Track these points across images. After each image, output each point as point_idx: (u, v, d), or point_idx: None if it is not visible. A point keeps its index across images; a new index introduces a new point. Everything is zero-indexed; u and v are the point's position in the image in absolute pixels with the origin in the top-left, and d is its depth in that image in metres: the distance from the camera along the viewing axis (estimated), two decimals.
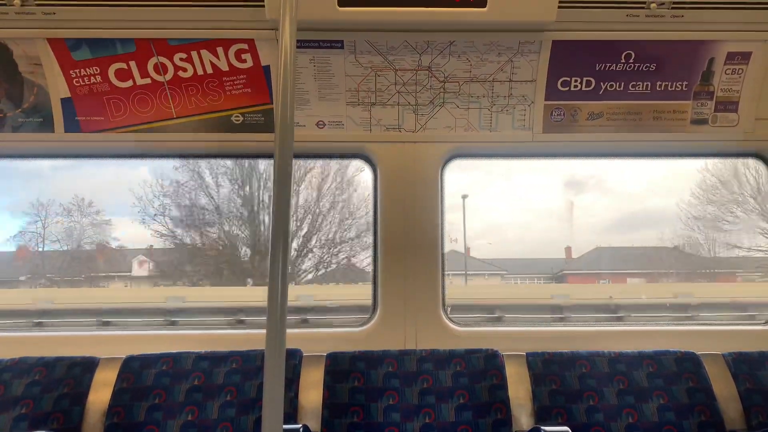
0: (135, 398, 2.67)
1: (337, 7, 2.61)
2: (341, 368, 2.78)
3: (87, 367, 2.80)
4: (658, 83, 3.03)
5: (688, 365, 2.81)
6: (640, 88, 3.03)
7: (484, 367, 2.78)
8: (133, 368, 2.76)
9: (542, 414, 2.70)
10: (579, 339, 3.03)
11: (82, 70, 2.91)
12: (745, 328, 3.21)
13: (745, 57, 2.98)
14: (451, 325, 3.05)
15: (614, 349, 2.88)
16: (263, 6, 2.61)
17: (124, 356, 2.81)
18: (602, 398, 2.72)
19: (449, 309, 3.13)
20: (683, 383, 2.76)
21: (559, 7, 2.65)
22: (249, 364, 2.78)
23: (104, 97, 2.96)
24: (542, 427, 2.34)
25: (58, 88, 2.94)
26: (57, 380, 2.73)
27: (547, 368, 2.80)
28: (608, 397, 2.73)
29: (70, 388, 2.72)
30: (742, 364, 2.83)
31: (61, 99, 2.96)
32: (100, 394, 2.73)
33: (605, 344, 2.95)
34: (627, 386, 2.75)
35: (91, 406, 2.72)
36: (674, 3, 2.74)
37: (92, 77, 2.93)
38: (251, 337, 2.95)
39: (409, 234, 3.08)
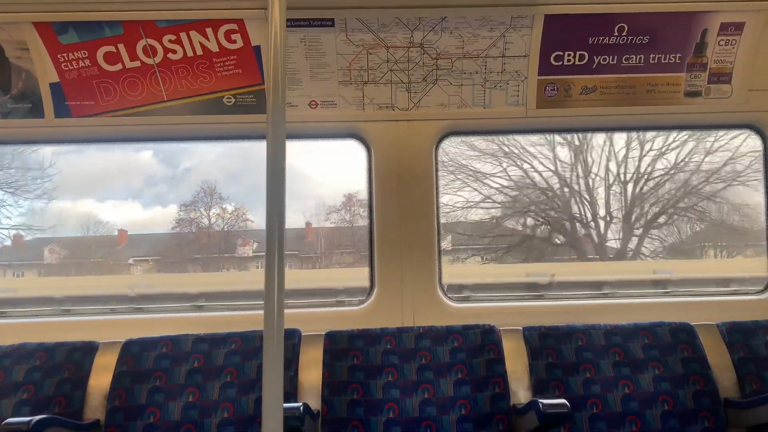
0: (135, 381, 2.70)
1: None
2: (340, 347, 2.80)
3: (87, 351, 2.82)
4: (652, 56, 3.01)
5: (682, 336, 2.85)
6: (634, 61, 3.01)
7: (482, 342, 2.81)
8: (132, 352, 2.78)
9: (539, 387, 2.73)
10: (575, 313, 3.06)
11: (70, 54, 2.87)
12: (739, 298, 3.24)
13: (739, 27, 2.96)
14: (448, 302, 3.08)
15: (610, 322, 2.92)
16: None
17: (123, 340, 2.82)
18: (598, 370, 2.76)
19: (446, 286, 3.16)
20: (678, 354, 2.80)
21: None
22: (248, 344, 2.80)
23: (93, 81, 2.93)
24: (539, 400, 2.37)
25: (46, 72, 2.90)
26: (57, 365, 2.75)
27: (543, 342, 2.83)
28: (604, 369, 2.76)
29: (70, 373, 2.74)
30: (736, 334, 2.87)
31: (50, 84, 2.92)
32: (101, 378, 2.75)
33: (601, 317, 2.98)
34: (622, 358, 2.79)
35: (92, 389, 2.74)
36: None
37: (80, 61, 2.89)
38: (250, 318, 2.96)
39: (404, 212, 3.08)
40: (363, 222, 3.79)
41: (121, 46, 2.87)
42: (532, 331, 2.87)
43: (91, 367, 2.79)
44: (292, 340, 2.78)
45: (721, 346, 2.88)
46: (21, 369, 2.73)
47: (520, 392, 2.76)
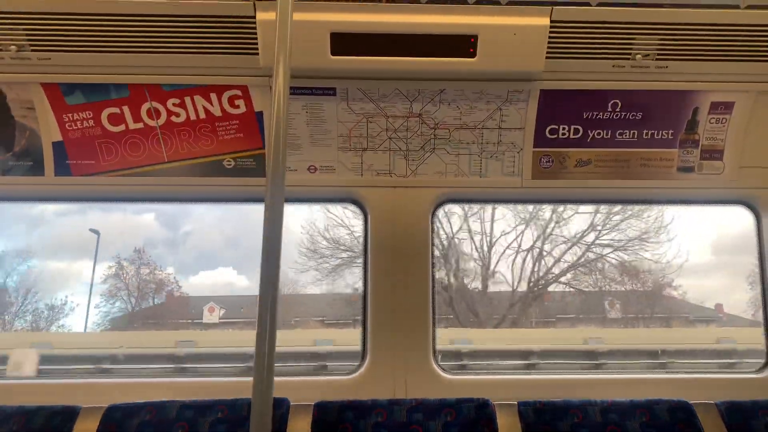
0: None
1: (330, 56, 2.67)
2: (329, 418, 2.71)
3: (68, 416, 2.71)
4: (645, 131, 3.08)
5: (681, 415, 2.77)
6: (627, 136, 3.08)
7: (475, 416, 2.72)
8: (115, 418, 2.67)
9: None
10: (571, 386, 2.99)
11: (75, 114, 2.93)
12: (737, 376, 3.18)
13: (729, 107, 3.05)
14: (442, 373, 3.00)
15: (606, 397, 2.84)
16: (257, 54, 2.66)
17: (106, 405, 2.73)
18: None
19: (440, 356, 3.09)
20: None
21: (547, 57, 2.71)
22: (235, 413, 2.70)
23: (96, 141, 2.97)
24: None
25: (50, 131, 2.95)
26: (37, 430, 2.64)
27: (539, 418, 2.75)
28: None
29: None
30: (735, 414, 2.80)
31: (53, 143, 2.96)
32: None
33: (598, 392, 2.91)
34: None
35: None
36: (659, 55, 2.82)
37: (85, 121, 2.94)
38: (238, 386, 2.88)
39: (399, 279, 3.06)
40: None
41: (125, 108, 2.93)
42: (527, 406, 2.79)
43: None
44: (281, 410, 2.69)
45: (720, 425, 2.81)
46: None
47: None
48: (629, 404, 2.81)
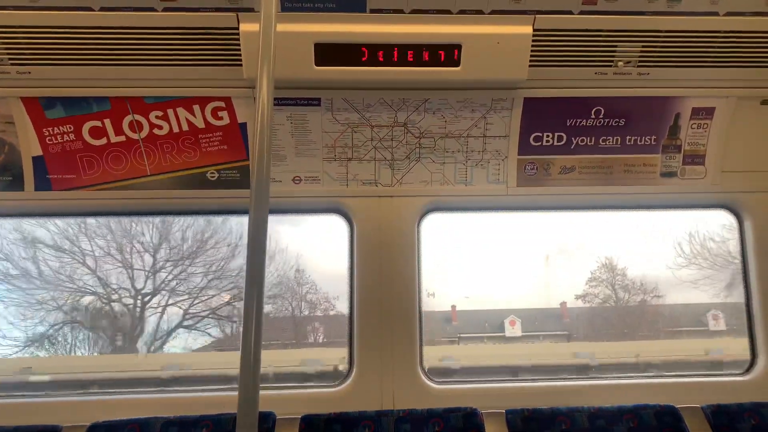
0: None
1: (314, 66, 2.66)
2: (316, 431, 2.68)
3: None
4: (628, 137, 3.11)
5: (667, 419, 2.79)
6: (611, 143, 3.11)
7: (463, 426, 2.71)
8: None
9: None
10: (558, 394, 3.00)
11: (56, 128, 2.89)
12: (723, 379, 3.20)
13: (709, 112, 3.08)
14: (429, 383, 2.99)
15: (594, 404, 2.85)
16: (240, 65, 2.65)
17: (88, 424, 2.68)
18: None
19: (427, 367, 3.07)
20: None
21: (530, 65, 2.73)
22: (220, 428, 2.67)
23: (77, 155, 2.93)
24: None
25: (29, 146, 2.90)
26: None
27: (526, 426, 2.75)
28: None
29: None
30: (721, 417, 2.82)
31: (33, 157, 2.92)
32: None
33: (585, 398, 2.92)
34: None
35: None
36: (640, 61, 2.85)
37: (65, 135, 2.90)
38: (223, 400, 2.84)
39: (385, 290, 3.04)
40: None
41: (107, 122, 2.89)
42: (515, 414, 2.79)
43: None
44: (267, 424, 2.66)
45: (707, 429, 2.83)
46: None
47: None
48: (616, 410, 2.82)
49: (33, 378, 3.52)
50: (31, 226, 3.95)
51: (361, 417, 2.74)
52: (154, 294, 4.48)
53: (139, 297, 4.69)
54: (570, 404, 2.86)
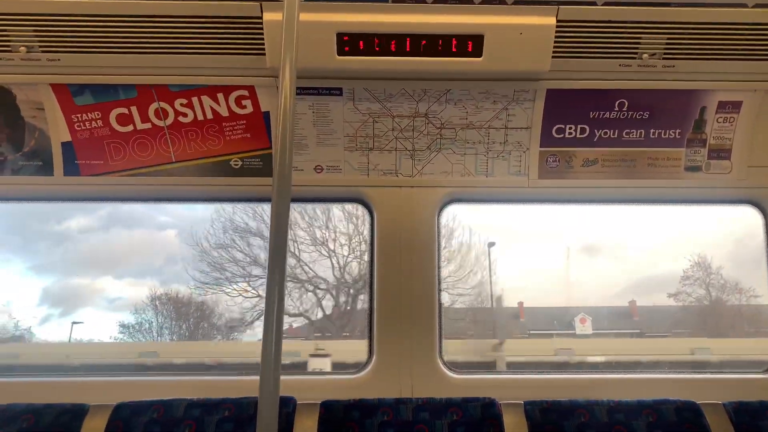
0: None
1: (336, 56, 2.67)
2: (335, 417, 2.72)
3: (76, 414, 2.74)
4: (652, 131, 3.07)
5: (688, 415, 2.76)
6: (634, 136, 3.07)
7: (482, 416, 2.72)
8: (123, 416, 2.69)
9: None
10: (577, 387, 2.98)
11: (84, 114, 2.95)
12: (745, 376, 3.16)
13: (736, 106, 3.03)
14: (448, 373, 3.00)
15: (613, 397, 2.84)
16: (264, 54, 2.68)
17: (114, 403, 2.75)
18: None
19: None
20: None
21: (553, 56, 2.71)
22: (242, 412, 2.72)
23: (104, 141, 2.99)
24: None
25: (59, 132, 2.97)
26: (45, 428, 2.67)
27: (545, 418, 2.74)
28: None
29: None
30: (743, 414, 2.78)
31: (62, 143, 2.99)
32: None
33: (604, 392, 2.90)
34: None
35: None
36: (666, 54, 2.81)
37: (93, 122, 2.97)
38: (244, 384, 2.89)
39: (405, 279, 3.06)
40: None
41: (133, 108, 2.95)
42: (533, 405, 2.79)
43: (80, 431, 2.70)
44: (287, 409, 2.70)
45: (728, 426, 2.79)
46: (9, 431, 2.65)
47: None
48: (636, 404, 2.79)
49: None
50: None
51: (380, 404, 2.77)
52: None
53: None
54: (589, 398, 2.85)
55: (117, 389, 2.93)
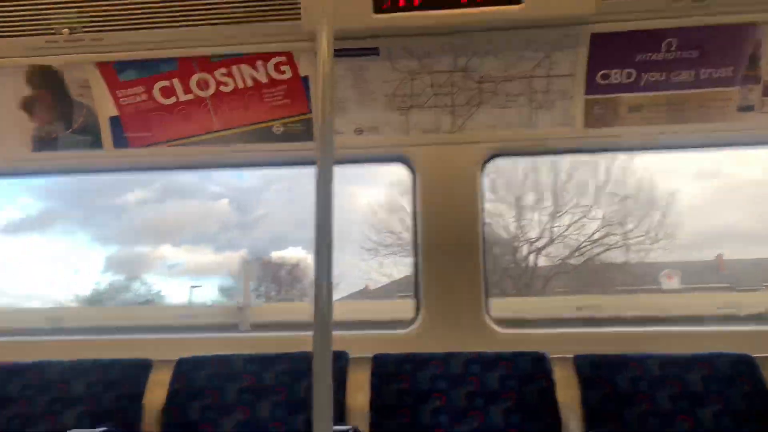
0: (189, 398, 2.78)
1: (372, 14, 2.64)
2: (387, 370, 2.80)
3: (142, 368, 2.92)
4: (702, 71, 2.93)
5: (743, 368, 2.68)
6: (683, 77, 2.94)
7: (532, 369, 2.74)
8: (185, 370, 2.86)
9: (593, 419, 2.64)
10: (628, 340, 2.96)
11: (129, 89, 3.03)
12: None
13: None
14: (496, 327, 3.03)
15: (664, 351, 2.79)
16: (299, 19, 2.67)
17: (176, 359, 2.90)
18: (655, 403, 2.62)
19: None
20: (739, 387, 2.64)
21: None
22: (297, 365, 2.83)
23: (149, 113, 3.07)
24: None
25: (106, 108, 3.07)
26: (114, 381, 2.87)
27: (596, 372, 2.74)
28: (661, 402, 2.63)
29: (126, 389, 2.84)
30: None
31: (110, 118, 3.09)
32: (156, 394, 2.85)
33: (655, 346, 2.85)
34: (681, 391, 2.65)
35: (147, 405, 2.84)
36: None
37: (138, 96, 3.04)
38: (299, 339, 3.00)
39: (449, 236, 3.07)
40: None
41: (175, 81, 3.01)
42: (584, 359, 2.78)
43: (146, 384, 2.88)
44: (340, 363, 2.80)
45: None
46: (80, 383, 2.85)
47: (573, 423, 2.68)
48: (690, 357, 2.73)
49: None
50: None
51: (431, 357, 2.83)
52: None
53: None
54: (640, 351, 2.81)
55: (178, 346, 3.09)
